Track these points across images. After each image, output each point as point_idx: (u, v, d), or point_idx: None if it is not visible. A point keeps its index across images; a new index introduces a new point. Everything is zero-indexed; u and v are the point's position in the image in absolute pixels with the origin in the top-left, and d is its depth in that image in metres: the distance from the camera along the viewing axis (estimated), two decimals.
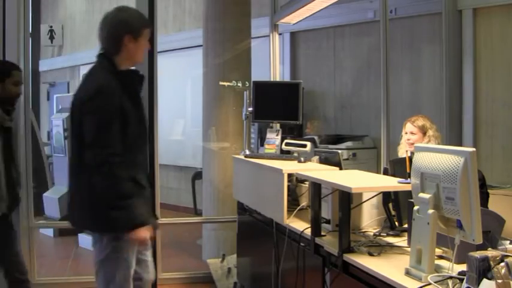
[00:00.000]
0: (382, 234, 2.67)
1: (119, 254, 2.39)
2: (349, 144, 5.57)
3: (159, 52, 4.00)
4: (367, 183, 2.60)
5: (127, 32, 2.39)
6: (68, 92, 10.00)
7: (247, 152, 3.69)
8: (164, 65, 4.92)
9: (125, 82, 2.40)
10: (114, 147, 2.27)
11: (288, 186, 3.08)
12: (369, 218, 2.84)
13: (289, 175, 3.08)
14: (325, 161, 3.27)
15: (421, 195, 1.98)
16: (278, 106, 3.70)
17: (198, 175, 6.30)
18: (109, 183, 2.26)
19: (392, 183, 2.49)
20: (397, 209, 2.71)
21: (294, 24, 5.09)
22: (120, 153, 2.28)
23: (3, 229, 3.15)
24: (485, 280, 1.69)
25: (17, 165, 3.19)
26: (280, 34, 5.36)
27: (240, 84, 4.94)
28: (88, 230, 2.52)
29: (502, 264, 1.70)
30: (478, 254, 1.74)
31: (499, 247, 2.05)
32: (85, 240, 5.71)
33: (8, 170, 3.07)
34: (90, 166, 2.28)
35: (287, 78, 6.50)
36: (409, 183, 2.18)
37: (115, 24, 2.40)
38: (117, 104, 2.30)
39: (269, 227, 3.23)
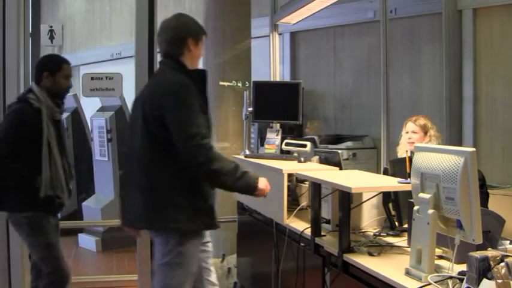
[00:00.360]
0: (382, 234, 2.67)
1: (182, 260, 2.38)
2: (349, 144, 5.57)
3: (159, 52, 3.99)
4: (367, 183, 2.60)
5: (190, 35, 2.50)
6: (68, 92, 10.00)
7: (247, 152, 3.69)
8: None
9: (193, 79, 2.45)
10: (207, 135, 2.35)
11: (288, 186, 3.08)
12: (369, 218, 2.84)
13: (289, 175, 3.08)
14: (325, 161, 3.27)
15: (421, 195, 1.98)
16: (278, 106, 3.70)
17: None
18: (222, 163, 2.33)
19: (392, 183, 2.49)
20: (397, 209, 2.71)
21: (294, 24, 5.09)
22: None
23: (54, 221, 3.20)
24: (485, 280, 1.69)
25: (68, 158, 3.19)
26: (280, 34, 5.36)
27: (240, 84, 4.94)
28: (158, 230, 2.40)
29: (502, 264, 1.70)
30: (478, 254, 1.74)
31: (499, 247, 2.05)
32: (85, 240, 5.72)
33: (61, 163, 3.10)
34: (189, 159, 2.30)
35: (287, 78, 6.50)
36: (409, 183, 2.18)
37: (180, 27, 2.51)
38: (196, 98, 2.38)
39: (269, 227, 3.23)
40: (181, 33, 2.49)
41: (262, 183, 2.48)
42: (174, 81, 2.38)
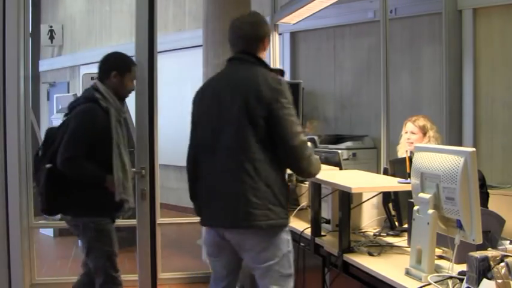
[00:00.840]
0: (382, 234, 2.67)
1: (290, 248, 2.40)
2: (349, 144, 5.57)
3: (159, 52, 3.99)
4: (367, 183, 2.60)
5: (266, 34, 2.50)
6: (68, 92, 10.01)
7: None
8: (164, 65, 4.92)
9: None
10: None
11: (288, 186, 3.08)
12: (369, 218, 2.84)
13: (289, 175, 3.08)
14: (325, 161, 3.27)
15: (421, 195, 1.98)
16: None
17: None
18: (315, 158, 2.39)
19: (392, 183, 2.49)
20: (397, 209, 2.71)
21: (294, 24, 5.09)
22: None
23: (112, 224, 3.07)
24: (485, 280, 1.69)
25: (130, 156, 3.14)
26: (280, 34, 5.36)
27: None
28: (259, 228, 2.29)
29: (502, 264, 1.70)
30: (478, 254, 1.74)
31: (499, 247, 2.05)
32: None
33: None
34: (297, 155, 2.31)
35: (287, 78, 6.50)
36: (409, 183, 2.18)
37: (261, 25, 2.50)
38: None
39: None
40: (264, 31, 2.50)
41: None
42: (277, 79, 2.37)
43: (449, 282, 1.86)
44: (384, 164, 4.12)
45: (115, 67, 3.02)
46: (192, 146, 2.52)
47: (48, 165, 2.91)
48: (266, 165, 2.28)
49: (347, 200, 2.42)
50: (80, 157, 2.83)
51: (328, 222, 2.80)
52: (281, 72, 2.56)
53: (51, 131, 3.09)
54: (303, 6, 4.28)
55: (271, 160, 2.29)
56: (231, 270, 2.49)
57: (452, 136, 4.87)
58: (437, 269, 1.99)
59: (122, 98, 3.09)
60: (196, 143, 2.49)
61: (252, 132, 2.28)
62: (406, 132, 3.42)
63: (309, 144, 2.41)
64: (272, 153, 2.30)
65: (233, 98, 2.34)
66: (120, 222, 5.43)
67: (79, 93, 5.76)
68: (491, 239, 2.05)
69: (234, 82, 2.39)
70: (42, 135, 7.85)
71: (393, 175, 2.84)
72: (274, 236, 2.31)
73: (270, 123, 2.28)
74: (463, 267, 1.86)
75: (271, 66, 2.56)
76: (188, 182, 2.57)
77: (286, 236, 2.36)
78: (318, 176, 2.56)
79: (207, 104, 2.45)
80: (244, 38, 2.46)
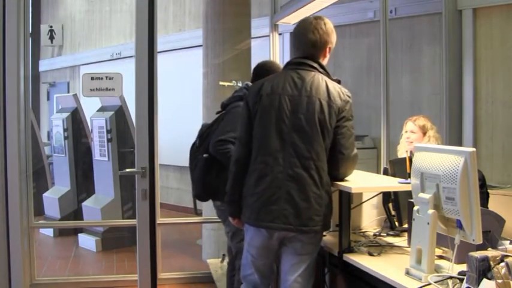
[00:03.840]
0: (382, 234, 2.67)
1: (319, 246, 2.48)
2: None
3: (159, 52, 3.99)
4: (367, 183, 2.60)
5: (331, 41, 2.50)
6: (68, 92, 10.01)
7: None
8: (164, 65, 4.92)
9: None
10: None
11: None
12: (369, 218, 2.84)
13: None
14: None
15: (421, 195, 1.98)
16: None
17: None
18: None
19: (392, 183, 2.49)
20: (397, 209, 2.71)
21: (294, 24, 5.09)
22: None
23: None
24: (485, 280, 1.69)
25: None
26: (280, 34, 5.35)
27: (240, 84, 4.93)
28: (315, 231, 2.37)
29: (502, 264, 1.70)
30: (478, 254, 1.74)
31: (499, 247, 2.05)
32: (85, 240, 5.72)
33: None
34: (349, 167, 2.44)
35: None
36: (409, 183, 2.18)
37: (328, 32, 2.49)
38: None
39: None
40: (330, 38, 2.49)
41: None
42: (346, 91, 2.44)
43: (449, 282, 1.86)
44: (384, 164, 4.12)
45: (265, 74, 3.03)
46: (246, 144, 2.45)
47: (205, 155, 3.11)
48: (326, 173, 2.37)
49: (347, 200, 2.43)
50: (229, 141, 2.97)
51: None
52: (338, 82, 2.54)
53: (205, 126, 3.32)
54: (303, 6, 4.27)
55: (330, 169, 2.39)
56: (273, 269, 2.58)
57: (452, 136, 4.87)
58: (437, 269, 1.99)
59: None
60: (255, 143, 2.42)
61: (321, 141, 2.34)
62: (406, 132, 3.43)
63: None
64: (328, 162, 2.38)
65: (306, 104, 2.35)
66: (120, 222, 5.47)
67: (79, 93, 5.77)
68: (491, 239, 2.05)
69: (305, 88, 2.38)
70: (42, 135, 7.86)
71: (393, 175, 2.84)
72: (321, 235, 2.43)
73: (336, 132, 2.37)
74: (463, 267, 1.86)
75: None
76: (233, 180, 2.49)
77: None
78: None
79: (270, 105, 2.39)
80: (310, 43, 2.46)
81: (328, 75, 2.47)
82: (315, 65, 2.44)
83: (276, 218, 2.31)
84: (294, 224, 2.30)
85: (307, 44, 2.45)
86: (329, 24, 2.49)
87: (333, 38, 2.50)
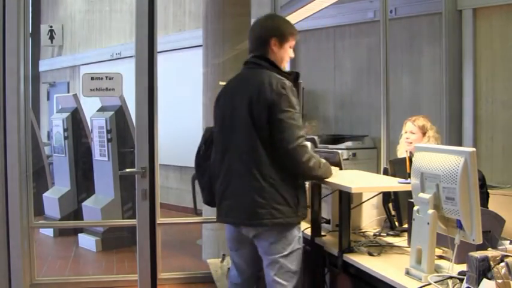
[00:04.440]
0: (382, 234, 2.67)
1: (299, 245, 2.48)
2: (349, 144, 5.57)
3: (159, 52, 3.99)
4: (367, 183, 2.60)
5: (276, 35, 2.51)
6: (68, 92, 10.01)
7: None
8: (164, 65, 4.92)
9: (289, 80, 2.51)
10: (304, 135, 2.43)
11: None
12: (369, 218, 2.84)
13: None
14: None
15: (421, 195, 1.98)
16: None
17: None
18: (315, 159, 2.42)
19: (392, 183, 2.49)
20: (397, 209, 2.71)
21: (293, 24, 5.08)
22: None
23: None
24: (485, 280, 1.69)
25: None
26: None
27: None
28: (265, 226, 2.41)
29: (502, 264, 1.70)
30: (478, 254, 1.74)
31: (499, 247, 2.05)
32: (85, 240, 5.72)
33: None
34: (293, 159, 2.36)
35: None
36: (409, 183, 2.18)
37: (269, 27, 2.55)
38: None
39: None
40: (265, 32, 2.53)
41: (334, 169, 2.58)
42: (282, 83, 2.40)
43: (449, 282, 1.86)
44: (383, 164, 4.13)
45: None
46: (214, 147, 2.63)
47: None
48: (271, 166, 2.37)
49: (347, 200, 2.43)
50: None
51: (328, 222, 2.80)
52: (296, 74, 2.56)
53: (208, 130, 3.20)
54: (303, 6, 4.28)
55: (278, 161, 2.37)
56: (250, 263, 2.61)
57: (452, 136, 4.88)
58: (437, 269, 1.99)
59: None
60: (215, 145, 2.61)
61: (257, 135, 2.38)
62: (406, 132, 3.42)
63: (309, 148, 2.42)
64: (277, 156, 2.37)
65: (242, 101, 2.44)
66: (120, 222, 5.47)
67: (79, 93, 5.77)
68: (491, 239, 2.05)
69: (244, 85, 2.48)
70: (42, 135, 7.86)
71: (393, 175, 2.84)
72: (287, 232, 2.42)
73: (271, 126, 2.36)
74: (463, 267, 1.86)
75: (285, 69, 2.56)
76: (211, 179, 2.65)
77: (298, 233, 2.47)
78: None
79: (222, 106, 2.58)
80: (252, 41, 2.56)
81: (277, 69, 2.49)
82: (261, 61, 2.50)
83: (227, 212, 2.51)
84: (241, 217, 2.44)
85: (252, 42, 2.57)
86: (271, 20, 2.60)
87: (278, 31, 2.53)
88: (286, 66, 2.61)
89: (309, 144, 2.52)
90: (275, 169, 2.37)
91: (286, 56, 2.56)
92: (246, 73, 2.56)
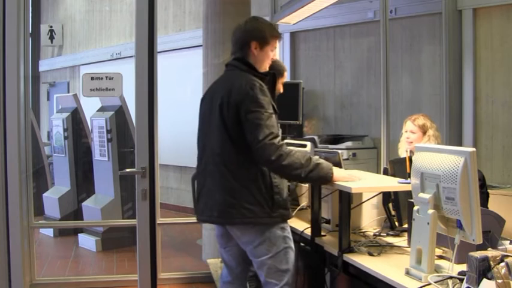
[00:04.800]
0: (382, 234, 2.67)
1: (288, 243, 2.48)
2: (349, 144, 5.56)
3: (159, 52, 3.99)
4: (367, 183, 2.60)
5: (255, 37, 2.54)
6: (68, 92, 10.01)
7: None
8: (164, 65, 4.92)
9: (263, 80, 2.53)
10: (277, 134, 2.42)
11: (288, 186, 3.08)
12: (369, 218, 2.84)
13: None
14: (325, 161, 3.26)
15: (421, 195, 1.98)
16: (278, 106, 3.69)
17: None
18: (292, 158, 2.35)
19: (392, 183, 2.49)
20: (397, 209, 2.71)
21: (294, 24, 5.09)
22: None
23: None
24: (485, 280, 1.69)
25: None
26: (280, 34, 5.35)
27: None
28: (237, 225, 2.45)
29: (502, 264, 1.70)
30: (478, 254, 1.74)
31: (499, 247, 2.05)
32: (85, 240, 5.72)
33: None
34: (262, 157, 2.34)
35: (287, 78, 6.49)
36: (409, 183, 2.18)
37: (249, 29, 2.58)
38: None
39: None
40: (246, 36, 2.56)
41: (340, 172, 2.48)
42: (251, 83, 2.41)
43: (449, 282, 1.86)
44: (384, 164, 4.12)
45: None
46: (197, 148, 2.68)
47: None
48: (243, 167, 2.40)
49: (347, 200, 2.42)
50: None
51: (328, 222, 2.80)
52: (273, 75, 2.60)
53: None
54: (303, 6, 4.27)
55: (249, 162, 2.39)
56: (239, 261, 2.63)
57: (452, 136, 4.88)
58: (437, 269, 1.99)
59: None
60: (197, 145, 2.67)
61: (228, 136, 2.42)
62: (406, 131, 3.42)
63: (284, 147, 2.37)
64: (250, 155, 2.38)
65: (216, 103, 2.49)
66: (120, 222, 5.47)
67: (79, 93, 5.77)
68: (491, 239, 2.05)
69: (220, 88, 2.54)
70: (42, 135, 7.86)
71: (393, 175, 2.84)
72: (268, 232, 2.43)
73: (240, 127, 2.39)
74: (463, 267, 1.86)
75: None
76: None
77: (281, 233, 2.47)
78: None
79: (203, 107, 2.65)
80: (233, 44, 2.61)
81: (255, 71, 2.52)
82: (239, 64, 2.55)
83: (202, 211, 2.56)
84: (213, 215, 2.48)
85: (233, 44, 2.62)
86: (253, 23, 2.61)
87: (260, 34, 2.55)
88: (266, 68, 2.61)
89: (305, 144, 2.53)
90: (247, 169, 2.39)
91: (266, 58, 2.58)
92: (225, 75, 2.61)
